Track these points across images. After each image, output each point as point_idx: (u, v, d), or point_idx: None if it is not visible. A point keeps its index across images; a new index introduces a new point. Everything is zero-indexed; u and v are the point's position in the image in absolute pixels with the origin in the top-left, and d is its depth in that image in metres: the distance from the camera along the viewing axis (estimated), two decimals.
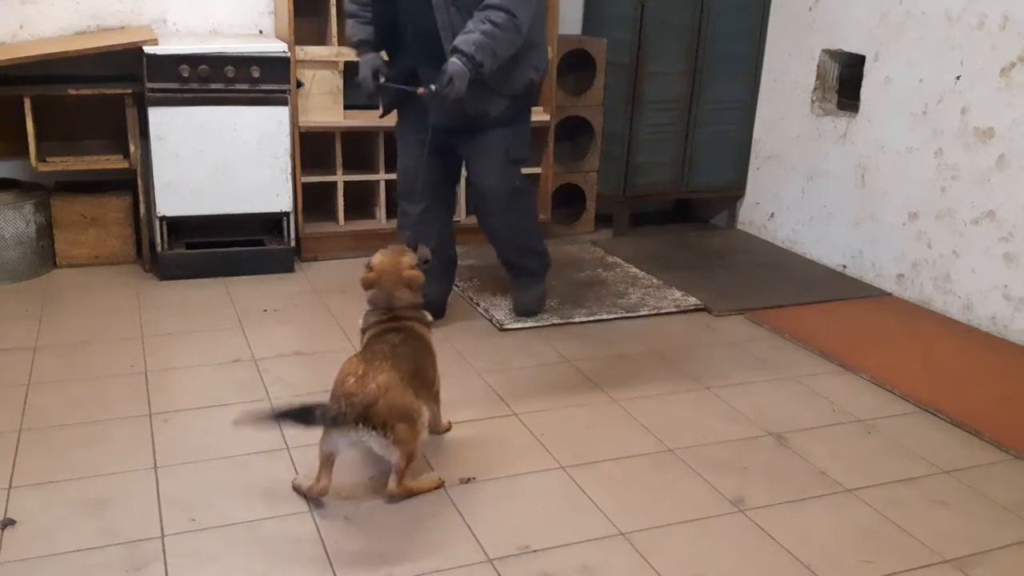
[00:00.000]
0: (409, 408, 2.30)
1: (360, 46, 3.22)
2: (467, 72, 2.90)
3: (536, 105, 4.22)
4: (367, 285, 2.52)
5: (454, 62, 2.90)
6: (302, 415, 2.24)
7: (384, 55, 3.23)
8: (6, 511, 2.25)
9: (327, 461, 2.33)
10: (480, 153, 3.29)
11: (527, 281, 3.64)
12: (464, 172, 3.64)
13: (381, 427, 2.23)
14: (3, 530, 2.18)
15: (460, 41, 2.91)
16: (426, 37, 3.05)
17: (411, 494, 2.38)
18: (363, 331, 2.54)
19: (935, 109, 3.85)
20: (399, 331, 2.46)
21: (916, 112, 3.93)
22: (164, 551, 2.13)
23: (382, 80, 3.14)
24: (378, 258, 2.55)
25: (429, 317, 2.61)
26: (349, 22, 3.29)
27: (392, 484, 2.35)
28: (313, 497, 2.35)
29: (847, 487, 2.55)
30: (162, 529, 2.21)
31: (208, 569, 2.09)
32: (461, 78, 2.90)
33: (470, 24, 2.94)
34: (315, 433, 2.30)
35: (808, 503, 2.47)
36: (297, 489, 2.39)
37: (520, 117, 3.34)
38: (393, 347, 2.39)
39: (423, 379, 2.45)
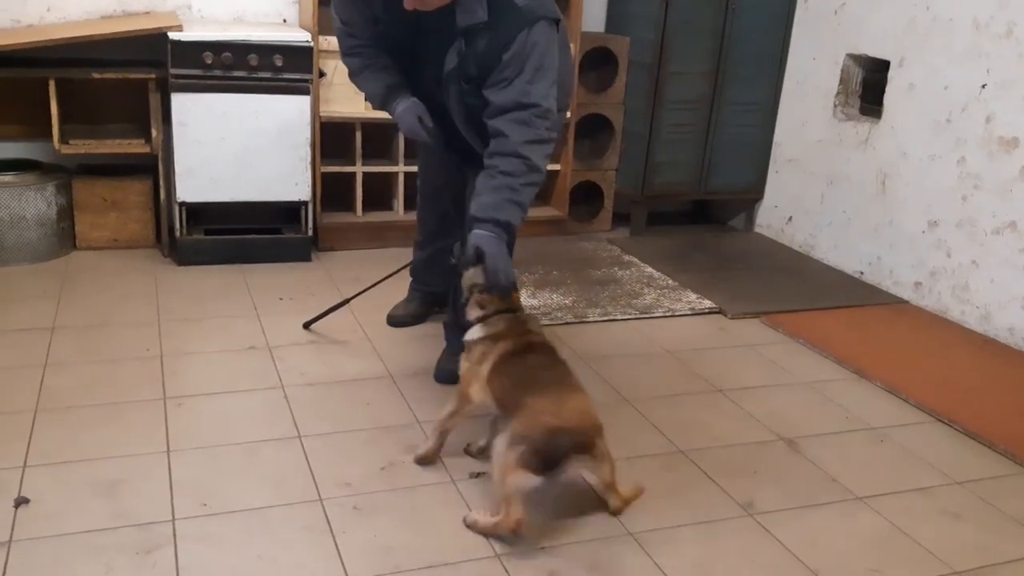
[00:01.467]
0: (599, 421, 2.27)
1: (389, 95, 2.81)
2: (497, 238, 2.49)
3: None
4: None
5: (478, 234, 2.47)
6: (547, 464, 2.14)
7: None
8: (20, 489, 2.27)
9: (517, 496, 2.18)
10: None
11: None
12: None
13: (590, 450, 2.22)
14: (17, 508, 2.20)
15: (476, 209, 2.50)
16: (438, 109, 2.75)
17: (630, 502, 2.37)
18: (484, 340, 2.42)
19: (959, 117, 3.82)
20: (535, 349, 2.40)
21: (940, 120, 3.90)
22: (175, 535, 2.15)
23: (430, 124, 2.80)
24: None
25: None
26: (362, 76, 2.86)
27: (615, 501, 2.35)
28: (510, 533, 2.19)
29: (858, 494, 2.54)
30: (173, 513, 2.23)
31: (218, 554, 2.11)
32: (494, 246, 2.47)
33: (479, 182, 2.54)
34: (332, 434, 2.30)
35: (818, 509, 2.46)
36: (474, 526, 2.25)
37: None
38: (554, 365, 2.37)
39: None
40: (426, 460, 2.52)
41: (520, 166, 2.50)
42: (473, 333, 2.46)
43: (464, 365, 2.46)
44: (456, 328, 2.97)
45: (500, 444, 2.20)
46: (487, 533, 2.23)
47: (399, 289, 3.49)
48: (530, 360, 2.36)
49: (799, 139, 4.71)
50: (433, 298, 3.48)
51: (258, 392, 2.87)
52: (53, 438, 2.52)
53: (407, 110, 2.78)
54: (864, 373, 3.30)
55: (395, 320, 3.46)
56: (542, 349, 2.42)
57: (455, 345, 2.85)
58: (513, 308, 2.49)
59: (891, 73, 4.14)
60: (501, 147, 2.51)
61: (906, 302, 4.06)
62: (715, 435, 2.81)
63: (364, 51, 2.81)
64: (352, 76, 2.91)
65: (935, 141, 3.93)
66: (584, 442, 2.21)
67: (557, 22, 2.61)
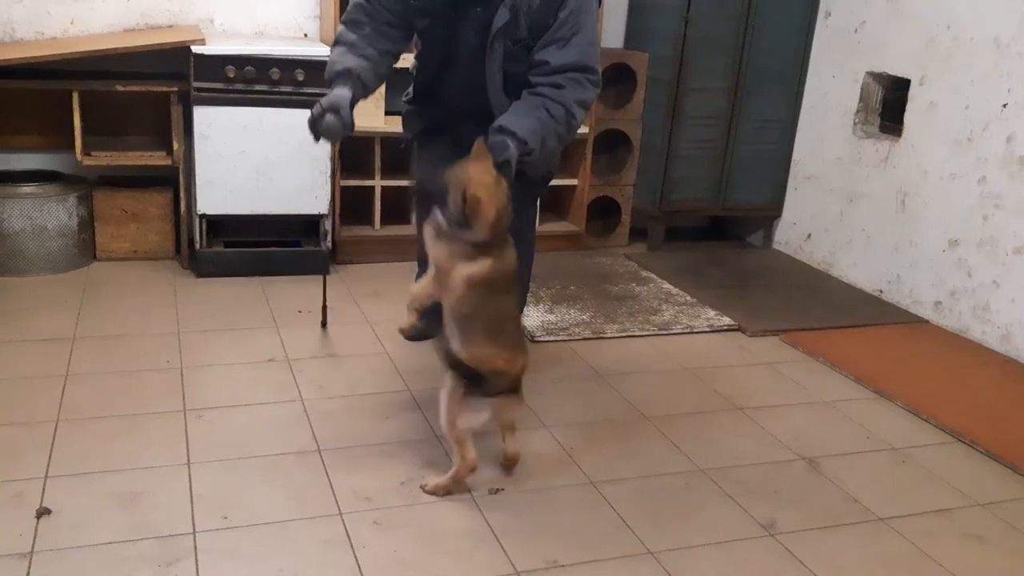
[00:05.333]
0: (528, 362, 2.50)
1: (339, 76, 2.66)
2: (516, 155, 2.46)
3: None
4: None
5: (504, 142, 2.42)
6: (475, 378, 2.36)
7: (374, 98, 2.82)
8: (42, 500, 2.28)
9: (469, 437, 2.42)
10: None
11: None
12: None
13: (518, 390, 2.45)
14: (39, 519, 2.21)
15: (505, 120, 2.47)
16: (470, 83, 2.66)
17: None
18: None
19: (980, 136, 3.81)
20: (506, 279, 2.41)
21: (960, 139, 3.89)
22: (196, 547, 2.15)
23: (348, 119, 2.65)
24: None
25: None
26: (340, 48, 2.71)
27: (512, 446, 2.56)
28: (463, 477, 2.43)
29: (880, 516, 2.52)
30: (194, 525, 2.23)
31: (239, 568, 2.11)
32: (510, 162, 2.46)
33: (516, 104, 2.53)
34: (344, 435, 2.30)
35: (840, 530, 2.45)
36: (435, 490, 2.44)
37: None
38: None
39: None
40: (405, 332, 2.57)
41: (564, 116, 2.52)
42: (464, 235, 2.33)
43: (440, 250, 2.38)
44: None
45: (443, 395, 2.39)
46: (449, 490, 2.43)
47: None
48: (501, 300, 2.41)
49: (818, 156, 4.70)
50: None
51: (278, 405, 2.87)
52: (75, 449, 2.53)
53: (334, 95, 2.63)
54: (884, 392, 3.28)
55: (410, 333, 3.38)
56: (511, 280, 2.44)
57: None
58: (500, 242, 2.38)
59: (911, 92, 4.13)
60: (554, 94, 2.51)
61: (926, 321, 4.04)
62: (735, 454, 2.79)
63: (364, 30, 2.70)
64: (335, 44, 2.76)
65: (956, 160, 3.92)
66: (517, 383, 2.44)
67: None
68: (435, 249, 2.41)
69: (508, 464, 2.58)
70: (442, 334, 2.46)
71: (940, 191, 4.00)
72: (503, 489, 2.49)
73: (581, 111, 2.59)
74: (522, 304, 3.16)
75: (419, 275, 3.16)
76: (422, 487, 2.46)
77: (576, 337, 3.57)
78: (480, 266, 2.34)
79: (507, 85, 2.62)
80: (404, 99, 2.97)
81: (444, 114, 2.80)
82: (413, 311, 2.50)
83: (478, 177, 2.28)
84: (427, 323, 3.45)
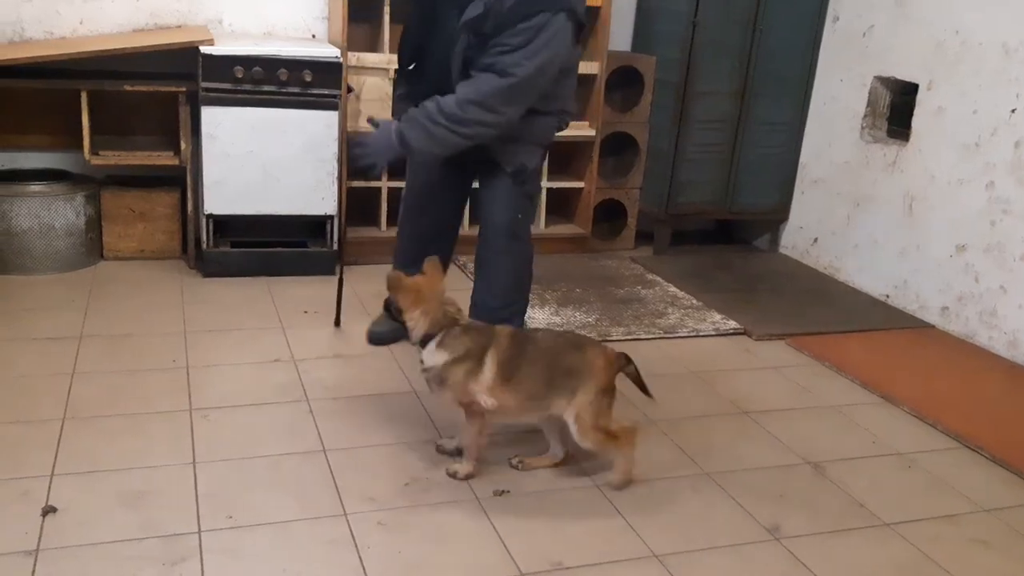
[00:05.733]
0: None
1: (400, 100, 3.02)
2: (394, 149, 2.75)
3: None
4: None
5: (388, 129, 2.74)
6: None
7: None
8: (48, 498, 2.28)
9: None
10: (501, 187, 2.98)
11: None
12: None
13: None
14: (44, 517, 2.21)
15: (406, 116, 2.74)
16: (444, 63, 2.81)
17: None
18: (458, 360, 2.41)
19: (988, 141, 3.80)
20: (519, 339, 2.50)
21: (968, 144, 3.88)
22: (201, 547, 2.15)
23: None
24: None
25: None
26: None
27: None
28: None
29: (885, 521, 2.51)
30: (199, 525, 2.23)
31: (244, 567, 2.11)
32: (383, 136, 2.77)
33: (439, 104, 2.68)
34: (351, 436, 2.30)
35: (845, 535, 2.44)
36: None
37: (544, 155, 3.12)
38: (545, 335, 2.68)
39: None
40: (469, 477, 2.55)
41: (455, 110, 2.64)
42: (435, 358, 2.41)
43: (450, 391, 2.44)
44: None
45: (584, 412, 2.41)
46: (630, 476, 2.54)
47: None
48: (530, 350, 2.46)
49: (825, 160, 4.70)
50: None
51: (283, 405, 2.88)
52: (80, 447, 2.54)
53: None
54: (890, 398, 3.27)
55: (376, 336, 3.35)
56: (520, 336, 2.53)
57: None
58: (453, 317, 2.45)
59: (919, 96, 4.12)
60: (460, 88, 2.66)
61: (933, 327, 4.03)
62: (741, 458, 2.79)
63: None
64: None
65: (963, 165, 3.91)
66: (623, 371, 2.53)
67: (580, 26, 2.72)
68: (442, 395, 2.47)
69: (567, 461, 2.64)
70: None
71: (948, 196, 3.99)
72: (508, 491, 2.49)
73: (478, 111, 2.64)
74: (524, 303, 3.18)
75: (395, 263, 3.29)
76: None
77: None
78: (488, 369, 2.40)
79: (465, 70, 2.71)
80: (397, 93, 3.10)
81: (426, 92, 2.83)
82: (478, 451, 2.55)
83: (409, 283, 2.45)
84: (396, 324, 3.41)
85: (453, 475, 2.51)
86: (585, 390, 2.41)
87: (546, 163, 4.52)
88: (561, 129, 3.03)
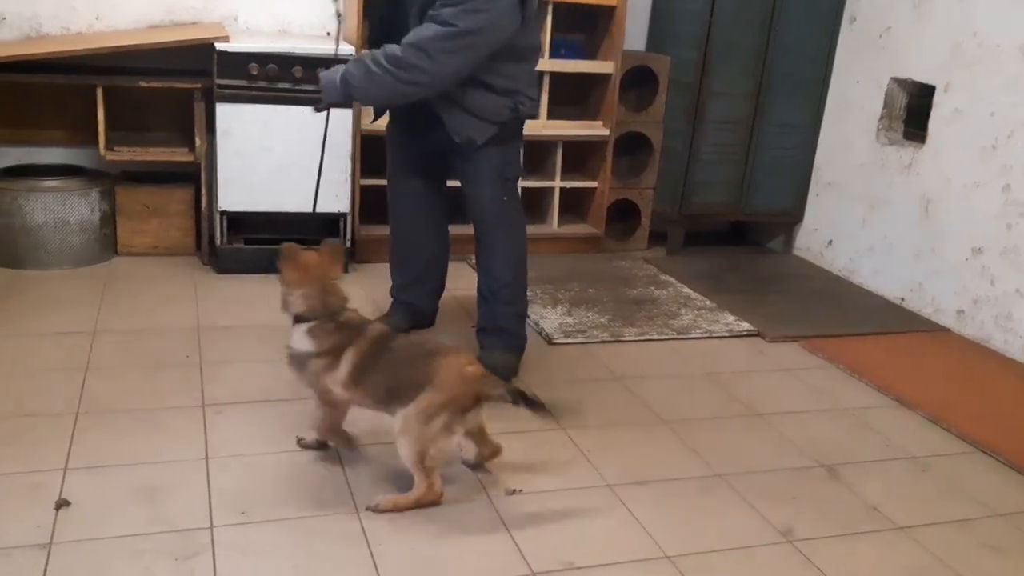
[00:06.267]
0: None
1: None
2: (338, 89, 2.83)
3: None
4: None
5: (338, 68, 2.84)
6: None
7: None
8: (61, 492, 2.29)
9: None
10: (473, 171, 3.07)
11: (494, 341, 3.19)
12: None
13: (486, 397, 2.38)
14: (58, 510, 2.22)
15: (362, 57, 2.83)
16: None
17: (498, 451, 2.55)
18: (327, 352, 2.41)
19: (1005, 144, 3.77)
20: (386, 339, 2.46)
21: (985, 146, 3.86)
22: (213, 542, 2.15)
23: None
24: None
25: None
26: None
27: (487, 447, 2.50)
28: (430, 504, 2.35)
29: (899, 524, 2.50)
30: (212, 520, 2.24)
31: (256, 563, 2.11)
32: (330, 75, 2.85)
33: (385, 48, 2.78)
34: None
35: (858, 538, 2.43)
36: (393, 507, 2.34)
37: (512, 138, 3.11)
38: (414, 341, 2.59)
39: None
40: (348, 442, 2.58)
41: (396, 52, 2.72)
42: (302, 343, 2.43)
43: (307, 379, 2.46)
44: (486, 332, 3.20)
45: (409, 422, 2.27)
46: (403, 509, 2.32)
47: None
48: (384, 357, 2.38)
49: (841, 162, 4.68)
50: (417, 313, 3.46)
51: (296, 402, 2.87)
52: (94, 442, 2.54)
53: None
54: (905, 401, 3.25)
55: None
56: (384, 340, 2.44)
57: (500, 346, 3.16)
58: (334, 311, 2.44)
59: (936, 98, 4.10)
60: (408, 36, 2.74)
61: (948, 330, 4.01)
62: (753, 460, 2.78)
63: None
64: None
65: (980, 168, 3.89)
66: (484, 391, 2.33)
67: (523, 2, 2.78)
68: (299, 378, 2.49)
69: (491, 456, 2.54)
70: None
71: (964, 199, 3.97)
72: (520, 490, 2.48)
73: (416, 54, 2.70)
74: (520, 285, 3.23)
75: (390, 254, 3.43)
76: (374, 507, 2.33)
77: (594, 340, 3.56)
78: (343, 368, 2.38)
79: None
80: None
81: None
82: (327, 434, 2.57)
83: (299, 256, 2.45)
84: (399, 322, 3.43)
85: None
86: (419, 401, 2.27)
87: (559, 162, 4.56)
88: (519, 113, 3.03)
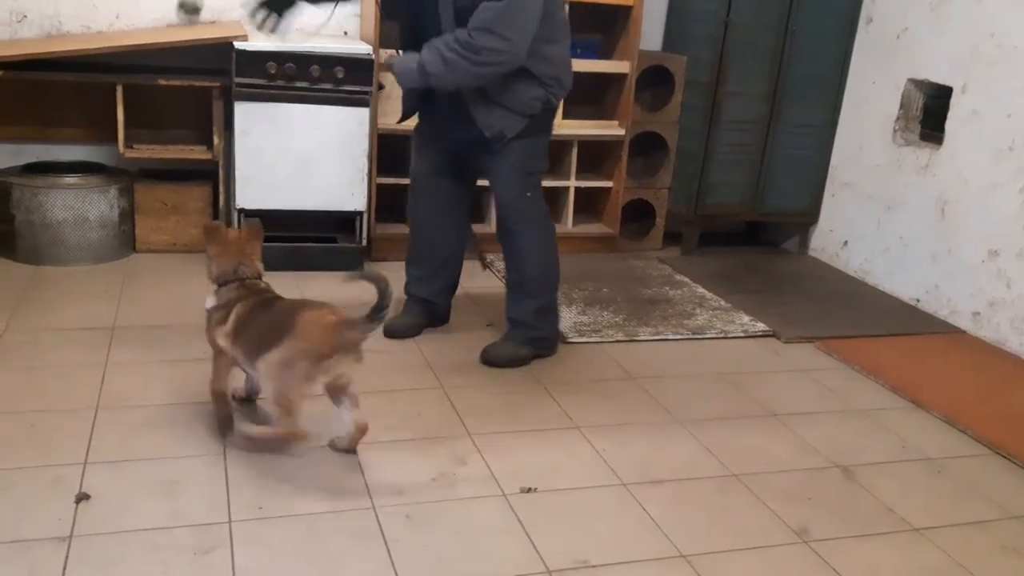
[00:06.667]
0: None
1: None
2: (415, 76, 2.91)
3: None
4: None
5: (413, 56, 2.91)
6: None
7: None
8: (81, 485, 2.31)
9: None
10: (497, 166, 3.12)
11: (515, 333, 3.28)
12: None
13: (356, 349, 2.51)
14: (78, 504, 2.24)
15: (434, 43, 2.88)
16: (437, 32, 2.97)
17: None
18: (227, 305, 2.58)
19: (1022, 146, 3.76)
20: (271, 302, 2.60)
21: (1002, 147, 3.84)
22: (231, 537, 2.17)
23: None
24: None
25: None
26: None
27: (358, 414, 2.56)
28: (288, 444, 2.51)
29: (915, 526, 2.49)
30: (230, 515, 2.25)
31: (273, 558, 2.12)
32: (403, 63, 2.95)
33: (455, 34, 2.85)
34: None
35: (874, 539, 2.42)
36: (253, 441, 2.52)
37: (541, 131, 3.16)
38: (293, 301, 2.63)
39: None
40: (224, 423, 2.64)
41: (466, 38, 2.79)
42: (208, 301, 2.64)
43: (207, 333, 2.65)
44: (511, 323, 3.28)
45: (271, 367, 2.42)
46: (264, 444, 2.50)
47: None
48: (262, 312, 2.54)
49: (857, 163, 4.66)
50: (431, 309, 3.48)
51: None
52: (113, 436, 2.57)
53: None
54: (920, 403, 3.25)
55: (392, 330, 3.39)
56: (267, 301, 2.60)
57: (515, 337, 3.25)
58: (242, 277, 2.63)
59: (953, 99, 4.08)
60: (471, 22, 2.81)
61: (963, 332, 3.99)
62: (768, 460, 2.78)
63: None
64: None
65: (997, 169, 3.87)
66: (341, 340, 2.43)
67: None
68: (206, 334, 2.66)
69: (359, 435, 2.57)
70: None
71: (980, 200, 3.95)
72: (535, 488, 2.49)
73: (487, 37, 2.78)
74: (549, 289, 3.28)
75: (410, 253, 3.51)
76: (240, 439, 2.55)
77: (609, 339, 3.57)
78: (230, 322, 2.55)
79: (459, 24, 2.86)
80: None
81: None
82: (214, 396, 2.67)
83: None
84: (414, 319, 3.47)
85: (243, 436, 2.55)
86: (279, 349, 2.40)
87: (574, 161, 4.56)
88: (551, 103, 3.07)
